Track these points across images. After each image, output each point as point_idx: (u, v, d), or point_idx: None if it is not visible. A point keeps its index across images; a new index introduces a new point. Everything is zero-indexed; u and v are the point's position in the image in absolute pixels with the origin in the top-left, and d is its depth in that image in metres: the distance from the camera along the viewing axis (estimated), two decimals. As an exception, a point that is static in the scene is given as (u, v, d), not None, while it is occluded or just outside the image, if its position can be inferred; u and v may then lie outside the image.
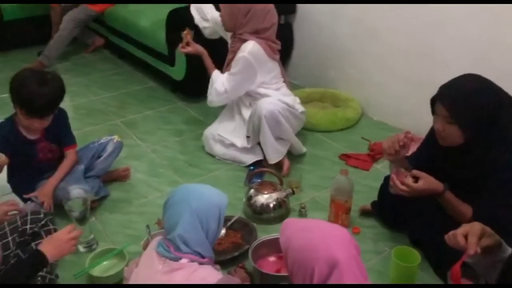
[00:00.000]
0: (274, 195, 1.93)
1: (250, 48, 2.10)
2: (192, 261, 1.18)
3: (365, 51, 2.73)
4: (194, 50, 2.28)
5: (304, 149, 2.38)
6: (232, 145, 2.29)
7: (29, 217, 1.53)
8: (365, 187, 2.13)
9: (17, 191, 1.89)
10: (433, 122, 1.52)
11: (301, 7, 3.05)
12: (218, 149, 2.34)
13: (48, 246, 1.29)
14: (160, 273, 1.16)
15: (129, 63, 3.58)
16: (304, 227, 1.11)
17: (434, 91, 1.50)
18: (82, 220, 1.71)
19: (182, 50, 2.31)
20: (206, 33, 2.47)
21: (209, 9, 2.46)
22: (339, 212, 1.86)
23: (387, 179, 1.71)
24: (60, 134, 1.89)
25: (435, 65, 2.34)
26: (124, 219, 1.91)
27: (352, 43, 2.79)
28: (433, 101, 1.51)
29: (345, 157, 2.41)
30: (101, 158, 2.02)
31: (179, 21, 2.76)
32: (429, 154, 1.63)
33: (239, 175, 2.22)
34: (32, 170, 1.83)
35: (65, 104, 2.88)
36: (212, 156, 2.36)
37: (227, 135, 2.31)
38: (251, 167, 2.27)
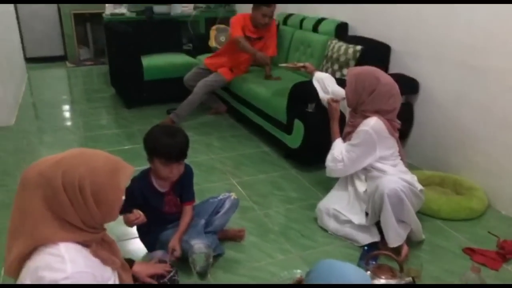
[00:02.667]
0: (393, 281, 1.80)
1: (373, 123, 2.11)
2: None
3: (495, 140, 2.55)
4: (333, 109, 2.39)
5: (423, 236, 2.22)
6: (348, 221, 2.23)
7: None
8: (494, 290, 1.91)
9: (144, 239, 2.02)
10: None
11: (424, 88, 3.00)
12: (332, 224, 2.29)
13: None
14: None
15: (246, 127, 3.78)
16: None
17: None
18: (203, 274, 1.75)
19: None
20: (325, 104, 2.54)
21: (331, 83, 2.56)
22: (466, 313, 1.67)
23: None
24: (183, 189, 2.00)
25: None
26: (236, 280, 1.91)
27: (479, 130, 2.64)
28: None
29: (470, 251, 2.19)
30: (219, 214, 2.09)
31: (302, 93, 2.89)
32: None
33: (351, 254, 2.13)
34: (157, 221, 1.94)
35: (189, 160, 3.11)
36: (324, 230, 2.32)
37: (343, 210, 2.26)
38: (365, 247, 2.16)
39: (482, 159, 2.64)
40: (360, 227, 2.20)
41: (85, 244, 1.15)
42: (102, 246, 1.23)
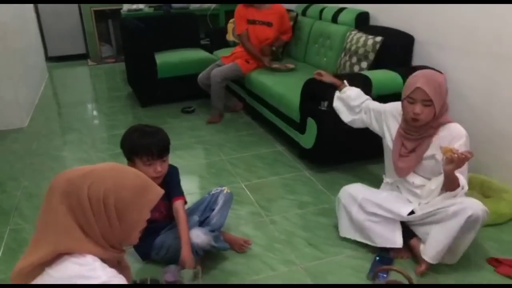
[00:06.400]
0: (402, 301, 1.65)
1: (463, 130, 1.92)
2: None
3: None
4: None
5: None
6: (374, 214, 2.01)
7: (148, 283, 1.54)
8: (520, 306, 1.72)
9: (137, 248, 1.94)
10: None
11: (450, 81, 2.77)
12: (355, 211, 2.05)
13: None
14: None
15: (262, 125, 3.65)
16: None
17: None
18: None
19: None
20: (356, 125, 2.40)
21: (358, 99, 2.38)
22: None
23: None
24: (169, 188, 1.89)
25: None
26: (232, 296, 1.81)
27: (511, 127, 2.40)
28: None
29: (494, 262, 2.00)
30: (215, 211, 1.98)
31: (315, 91, 2.73)
32: None
33: (361, 265, 1.98)
34: (149, 230, 1.83)
35: (199, 161, 3.07)
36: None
37: (376, 200, 2.03)
38: (377, 257, 2.01)
39: (513, 158, 2.41)
40: (384, 226, 2.01)
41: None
42: (116, 270, 1.17)
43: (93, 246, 1.08)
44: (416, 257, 1.98)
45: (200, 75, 3.82)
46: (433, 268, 1.93)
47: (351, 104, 2.39)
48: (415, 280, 1.75)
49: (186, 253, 1.75)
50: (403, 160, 2.04)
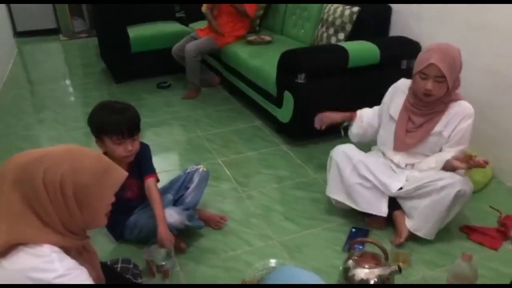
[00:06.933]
0: (377, 271, 1.65)
1: (472, 109, 1.92)
2: None
3: (503, 105, 2.34)
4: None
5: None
6: (367, 180, 1.98)
7: (119, 265, 1.51)
8: (492, 272, 1.77)
9: (110, 229, 1.91)
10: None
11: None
12: (348, 172, 1.99)
13: None
14: None
15: (239, 100, 3.59)
16: None
17: None
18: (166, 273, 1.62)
19: None
20: (355, 140, 2.23)
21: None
22: (457, 304, 1.54)
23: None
24: (141, 165, 1.86)
25: None
26: (209, 273, 1.79)
27: (486, 95, 2.41)
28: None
29: (468, 229, 2.04)
30: (189, 190, 1.95)
31: (291, 63, 2.68)
32: None
33: (337, 237, 1.99)
34: (122, 209, 1.81)
35: (175, 138, 3.02)
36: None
37: (372, 166, 2.00)
38: (353, 229, 2.02)
39: (487, 126, 2.43)
40: (373, 193, 1.99)
41: (63, 250, 1.04)
42: (81, 256, 1.13)
43: (51, 234, 1.01)
44: (395, 229, 1.99)
45: (174, 47, 3.72)
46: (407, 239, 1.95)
47: (374, 124, 2.20)
48: (390, 252, 1.76)
49: (163, 232, 1.72)
50: (410, 135, 1.98)
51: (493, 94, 2.38)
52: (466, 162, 1.77)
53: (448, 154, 1.90)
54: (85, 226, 1.09)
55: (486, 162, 1.75)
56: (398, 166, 2.04)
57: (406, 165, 2.03)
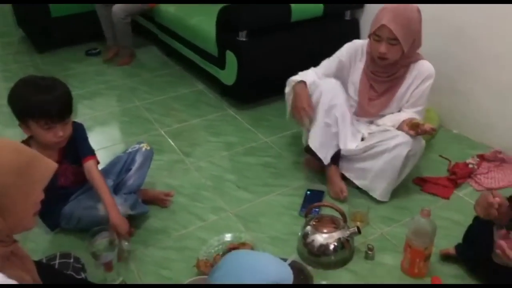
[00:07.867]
0: (336, 235, 1.61)
1: (432, 69, 1.84)
2: None
3: (447, 54, 2.31)
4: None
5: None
6: (335, 124, 1.89)
7: (57, 261, 1.33)
8: (445, 221, 1.78)
9: (43, 219, 1.69)
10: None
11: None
12: (322, 110, 1.86)
13: None
14: None
15: (178, 63, 3.35)
16: None
17: None
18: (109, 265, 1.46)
19: None
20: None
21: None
22: (416, 259, 1.53)
23: (479, 221, 1.40)
24: (77, 148, 1.64)
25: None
26: (160, 255, 1.65)
27: (431, 43, 2.34)
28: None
29: (420, 181, 2.04)
30: (131, 172, 1.77)
31: (231, 19, 2.49)
32: None
33: (294, 202, 1.92)
34: (57, 198, 1.62)
35: (111, 110, 2.77)
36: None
37: (345, 116, 1.91)
38: (308, 192, 1.95)
39: (433, 76, 2.41)
40: (329, 139, 1.91)
41: None
42: (11, 262, 0.97)
43: None
44: (330, 183, 1.95)
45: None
46: (361, 191, 1.94)
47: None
48: (348, 213, 1.71)
49: (115, 217, 1.55)
50: (373, 104, 1.92)
51: (436, 43, 2.34)
52: (414, 130, 1.74)
53: (405, 114, 1.87)
54: (10, 232, 0.94)
55: (434, 129, 1.73)
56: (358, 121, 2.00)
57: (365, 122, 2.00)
